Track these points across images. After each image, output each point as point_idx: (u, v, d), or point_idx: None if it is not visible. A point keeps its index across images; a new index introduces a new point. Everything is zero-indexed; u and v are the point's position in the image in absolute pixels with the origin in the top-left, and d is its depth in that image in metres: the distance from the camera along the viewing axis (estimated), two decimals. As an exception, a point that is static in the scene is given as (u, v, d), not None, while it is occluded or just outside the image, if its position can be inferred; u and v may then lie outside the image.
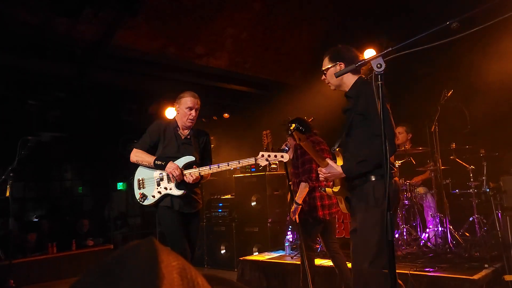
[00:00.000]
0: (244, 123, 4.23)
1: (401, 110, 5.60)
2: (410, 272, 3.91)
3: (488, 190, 4.47)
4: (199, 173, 3.36)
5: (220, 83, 6.77)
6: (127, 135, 7.90)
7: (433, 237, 4.75)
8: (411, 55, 2.06)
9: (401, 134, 5.39)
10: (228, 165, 3.32)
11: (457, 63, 5.47)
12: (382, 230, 2.36)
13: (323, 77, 2.81)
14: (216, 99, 7.36)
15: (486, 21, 2.05)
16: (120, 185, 8.60)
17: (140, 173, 3.47)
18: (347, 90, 2.73)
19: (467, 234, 4.84)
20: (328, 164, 2.60)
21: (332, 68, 2.73)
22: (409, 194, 5.01)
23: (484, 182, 4.58)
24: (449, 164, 4.93)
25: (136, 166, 3.51)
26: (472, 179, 4.67)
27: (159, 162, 3.34)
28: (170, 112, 7.08)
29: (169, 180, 3.38)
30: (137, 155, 3.43)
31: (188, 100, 3.43)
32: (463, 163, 4.80)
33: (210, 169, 3.35)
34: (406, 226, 4.89)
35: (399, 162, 5.05)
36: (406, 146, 5.11)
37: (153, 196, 3.38)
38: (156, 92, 6.90)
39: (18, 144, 4.51)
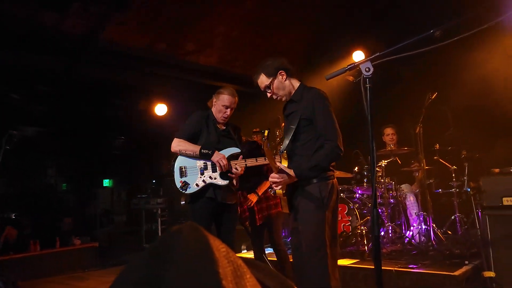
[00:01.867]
0: (233, 120, 4.35)
1: (387, 111, 5.81)
2: (395, 268, 4.09)
3: (469, 190, 4.67)
4: (246, 165, 3.42)
5: (210, 80, 6.83)
6: (115, 131, 7.95)
7: (417, 235, 4.95)
8: (398, 58, 2.19)
9: (394, 136, 5.61)
10: (264, 160, 3.39)
11: (442, 67, 5.69)
12: (325, 229, 2.61)
13: (269, 94, 2.83)
14: (205, 96, 7.44)
15: (469, 30, 2.22)
16: (106, 182, 8.61)
17: (182, 161, 3.47)
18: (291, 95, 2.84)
19: (449, 232, 5.05)
20: (280, 169, 2.69)
21: (276, 81, 2.79)
22: (394, 193, 5.21)
23: (465, 182, 4.77)
24: (432, 164, 5.13)
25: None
26: (454, 179, 4.86)
27: (205, 151, 3.37)
28: (159, 109, 7.15)
29: (213, 169, 3.42)
30: (179, 144, 3.44)
31: (225, 98, 3.48)
32: (446, 164, 5.00)
33: (256, 161, 3.41)
34: (391, 224, 5.09)
35: (385, 161, 5.25)
36: (392, 147, 5.30)
37: (197, 185, 3.40)
38: (145, 88, 6.94)
39: (2, 138, 4.49)
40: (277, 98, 2.86)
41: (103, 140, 7.86)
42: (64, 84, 6.41)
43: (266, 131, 2.77)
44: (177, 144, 3.46)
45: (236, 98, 3.55)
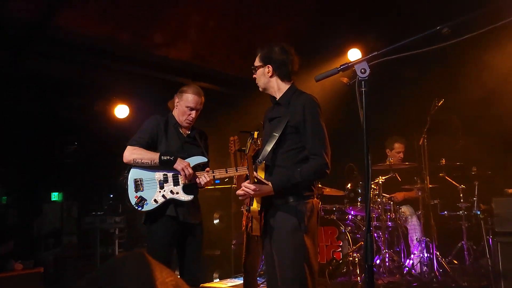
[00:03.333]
0: (208, 126, 4.29)
1: (386, 119, 5.83)
2: (392, 303, 4.10)
3: (478, 212, 4.72)
4: (214, 176, 3.42)
5: (181, 78, 6.79)
6: (66, 136, 7.79)
7: (418, 264, 4.99)
8: (398, 58, 2.21)
9: (403, 153, 5.67)
10: (237, 171, 3.43)
11: (450, 68, 5.76)
12: (304, 255, 2.65)
13: (254, 74, 3.00)
14: (175, 97, 7.40)
15: (483, 26, 2.23)
16: (54, 196, 8.43)
17: (137, 173, 3.43)
18: (277, 96, 2.93)
19: (455, 262, 5.09)
20: (258, 179, 2.71)
21: (261, 69, 2.94)
22: (393, 215, 5.24)
23: (475, 203, 4.83)
24: (437, 182, 5.17)
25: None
26: (462, 200, 4.92)
27: (166, 158, 3.34)
28: (120, 110, 7.06)
29: (175, 182, 3.40)
30: (134, 152, 3.39)
31: (190, 97, 3.48)
32: (453, 182, 5.06)
33: (226, 172, 3.42)
34: (389, 251, 5.09)
35: (383, 178, 5.27)
36: (391, 161, 5.32)
37: (155, 201, 3.36)
38: (104, 85, 6.86)
39: None
40: (256, 82, 3.01)
41: (52, 145, 7.70)
42: (7, 79, 6.26)
43: (256, 132, 2.75)
44: (130, 153, 3.41)
45: (203, 98, 3.57)
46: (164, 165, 3.37)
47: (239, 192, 2.78)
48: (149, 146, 3.46)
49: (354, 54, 6.30)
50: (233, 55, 7.00)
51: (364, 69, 2.17)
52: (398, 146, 5.70)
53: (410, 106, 5.67)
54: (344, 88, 6.08)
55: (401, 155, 5.68)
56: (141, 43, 6.30)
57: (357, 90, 2.17)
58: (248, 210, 2.80)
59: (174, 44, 6.51)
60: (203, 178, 3.39)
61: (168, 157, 3.35)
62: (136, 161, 3.38)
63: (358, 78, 2.17)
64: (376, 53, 2.21)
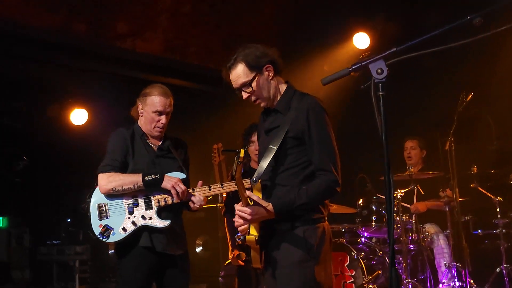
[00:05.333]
0: (185, 131, 4.22)
1: (402, 118, 5.80)
2: None
3: (521, 230, 4.73)
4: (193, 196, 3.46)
5: (152, 75, 6.79)
6: (10, 148, 7.72)
7: (448, 295, 4.98)
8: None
9: (414, 150, 5.64)
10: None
11: (481, 55, 5.71)
12: None
13: (245, 95, 2.84)
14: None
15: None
16: (-1, 221, 8.39)
17: (101, 197, 3.44)
18: (275, 102, 2.88)
19: (493, 292, 5.09)
20: (253, 201, 2.69)
21: (260, 77, 2.81)
22: (415, 236, 5.22)
23: (516, 219, 4.83)
24: (469, 194, 5.17)
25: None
26: (499, 216, 4.92)
27: (151, 178, 3.35)
28: (76, 115, 7.02)
29: (147, 206, 3.43)
30: (112, 180, 3.39)
31: (156, 100, 3.49)
32: (488, 194, 5.06)
33: (210, 189, 3.48)
34: (412, 281, 5.08)
35: (402, 191, 5.26)
36: (412, 170, 5.29)
37: (124, 230, 3.38)
38: (57, 86, 6.83)
39: None
40: (255, 101, 2.88)
41: (-4, 161, 7.65)
42: None
43: (242, 151, 2.77)
44: (107, 181, 3.41)
45: (171, 98, 3.58)
46: (151, 187, 3.40)
47: (237, 224, 2.77)
48: (125, 167, 3.47)
49: (361, 40, 6.25)
50: (213, 46, 6.98)
51: (381, 69, 2.15)
52: (406, 144, 5.69)
53: (432, 103, 5.67)
54: (351, 82, 6.07)
55: (410, 152, 5.64)
56: (102, 34, 6.30)
57: (373, 95, 2.14)
58: (244, 241, 2.78)
59: (142, 34, 6.53)
60: (198, 198, 3.43)
61: (153, 176, 3.36)
62: (116, 190, 3.39)
63: (374, 80, 2.15)
64: (395, 49, 2.18)
